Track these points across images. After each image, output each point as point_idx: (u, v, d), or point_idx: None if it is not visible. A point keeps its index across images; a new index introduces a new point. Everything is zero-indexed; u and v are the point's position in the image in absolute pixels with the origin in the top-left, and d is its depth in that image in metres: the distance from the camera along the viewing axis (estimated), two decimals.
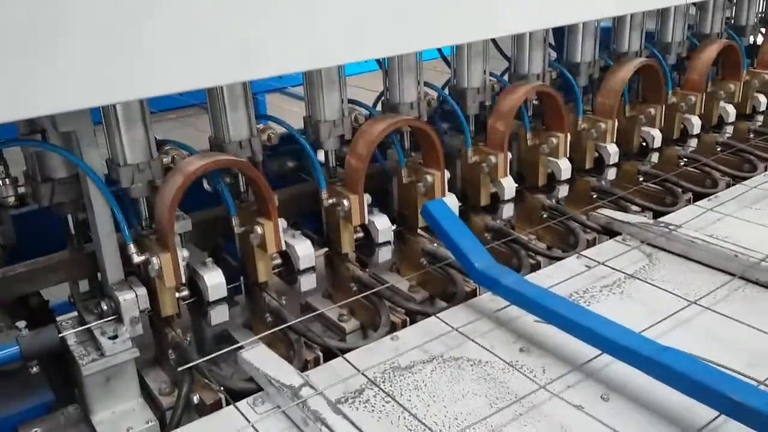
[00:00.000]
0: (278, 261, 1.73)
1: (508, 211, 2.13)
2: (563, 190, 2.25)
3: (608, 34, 2.46)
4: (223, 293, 1.60)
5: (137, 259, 1.49)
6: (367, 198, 1.77)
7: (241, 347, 1.53)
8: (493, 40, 2.41)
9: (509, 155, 2.05)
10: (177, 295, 1.57)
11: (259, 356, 1.47)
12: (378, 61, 1.96)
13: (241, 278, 1.79)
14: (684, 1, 2.15)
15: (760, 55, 2.75)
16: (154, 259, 1.48)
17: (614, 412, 1.30)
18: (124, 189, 1.55)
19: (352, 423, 1.24)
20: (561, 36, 2.36)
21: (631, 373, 1.33)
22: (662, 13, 2.50)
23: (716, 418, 1.22)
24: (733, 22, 2.78)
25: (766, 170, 2.45)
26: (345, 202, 1.74)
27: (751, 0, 2.74)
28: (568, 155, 2.16)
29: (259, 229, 1.59)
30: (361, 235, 1.86)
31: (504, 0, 1.72)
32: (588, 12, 2.00)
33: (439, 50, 2.17)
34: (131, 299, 1.51)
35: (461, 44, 2.01)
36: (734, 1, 2.75)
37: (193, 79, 1.32)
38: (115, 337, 1.49)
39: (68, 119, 1.41)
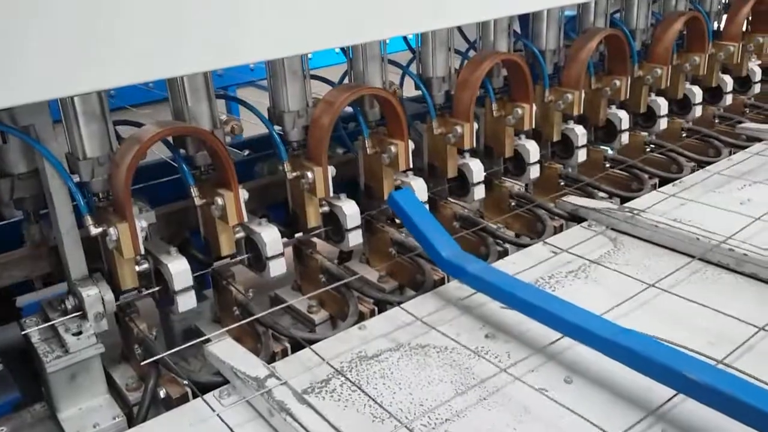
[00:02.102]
0: (241, 235, 1.70)
1: (478, 192, 2.13)
2: (534, 171, 2.26)
3: (573, 23, 2.48)
4: (189, 281, 1.58)
5: (94, 231, 1.45)
6: (332, 170, 1.75)
7: (206, 341, 1.53)
8: (459, 28, 2.42)
9: (475, 126, 2.04)
10: (137, 268, 1.55)
11: (225, 349, 1.47)
12: (343, 50, 1.96)
13: (210, 273, 1.78)
14: None
15: (726, 26, 2.76)
16: (112, 230, 1.44)
17: (577, 395, 1.32)
18: (85, 183, 1.53)
19: (318, 412, 1.25)
20: (526, 24, 2.37)
21: (593, 356, 1.35)
22: (626, 1, 2.52)
23: (674, 396, 1.24)
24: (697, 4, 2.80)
25: (730, 155, 2.49)
26: (309, 174, 1.72)
27: None
28: (533, 126, 2.15)
29: (219, 200, 1.57)
30: (327, 209, 1.84)
31: None
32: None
33: (405, 39, 2.17)
34: (95, 295, 1.50)
35: (425, 33, 2.01)
36: None
37: (152, 70, 1.31)
38: (80, 333, 1.48)
39: (27, 112, 1.39)
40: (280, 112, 1.77)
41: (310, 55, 1.81)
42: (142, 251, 1.48)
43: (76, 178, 1.51)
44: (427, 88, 2.05)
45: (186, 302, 1.58)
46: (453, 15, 1.76)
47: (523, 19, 2.40)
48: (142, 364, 1.46)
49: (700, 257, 1.74)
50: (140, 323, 1.57)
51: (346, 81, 2.02)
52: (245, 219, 1.62)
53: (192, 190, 1.59)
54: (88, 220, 1.45)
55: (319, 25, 1.49)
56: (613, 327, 1.30)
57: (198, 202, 1.60)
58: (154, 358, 1.44)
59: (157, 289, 1.60)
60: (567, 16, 2.35)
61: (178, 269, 1.55)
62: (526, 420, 1.26)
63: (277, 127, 1.79)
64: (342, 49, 1.95)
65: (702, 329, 1.48)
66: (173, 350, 1.49)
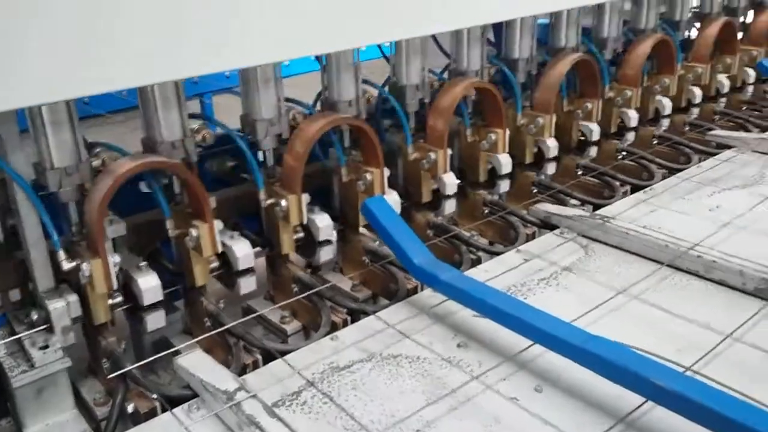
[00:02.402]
0: (215, 264, 1.70)
1: (450, 206, 2.15)
2: (504, 185, 2.28)
3: (546, 31, 2.50)
4: (159, 297, 1.57)
5: (67, 266, 1.45)
6: (306, 197, 1.75)
7: (176, 353, 1.51)
8: (433, 37, 2.43)
9: (449, 151, 2.06)
10: (110, 301, 1.54)
11: (194, 361, 1.45)
12: (317, 58, 1.95)
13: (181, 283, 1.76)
14: None
15: (695, 48, 2.82)
16: (85, 266, 1.44)
17: (547, 403, 1.32)
18: (53, 193, 1.51)
19: (288, 426, 1.23)
20: (499, 32, 2.38)
21: (564, 364, 1.35)
22: (598, 9, 2.55)
23: (643, 404, 1.25)
24: (667, 17, 2.85)
25: (700, 162, 2.52)
26: (283, 202, 1.73)
27: (683, 4, 2.81)
28: (507, 151, 2.19)
29: (194, 232, 1.57)
30: (301, 235, 1.85)
31: None
32: (524, 8, 2.04)
33: (379, 48, 2.17)
34: (62, 308, 1.47)
35: (399, 41, 2.02)
36: None
37: (120, 79, 1.30)
38: (46, 347, 1.45)
39: None
40: (253, 120, 1.76)
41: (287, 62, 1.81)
42: (116, 286, 1.47)
43: None
44: (400, 96, 2.05)
45: (155, 321, 1.58)
46: (425, 24, 1.78)
47: (497, 27, 2.41)
48: (108, 378, 1.44)
49: (669, 264, 1.75)
50: (108, 336, 1.55)
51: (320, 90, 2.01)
52: (220, 250, 1.61)
53: (167, 222, 1.58)
54: (61, 255, 1.45)
55: (292, 33, 1.50)
56: (582, 334, 1.31)
57: (172, 233, 1.59)
58: (121, 371, 1.42)
59: (125, 307, 1.58)
60: (540, 24, 2.36)
61: (148, 285, 1.54)
62: (496, 430, 1.26)
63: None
64: (316, 58, 1.94)
65: (671, 336, 1.49)
66: (141, 363, 1.47)
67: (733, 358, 1.41)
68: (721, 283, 1.68)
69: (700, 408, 1.13)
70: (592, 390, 1.32)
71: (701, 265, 1.72)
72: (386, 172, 1.89)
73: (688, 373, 1.33)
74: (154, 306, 1.58)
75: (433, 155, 2.00)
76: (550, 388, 1.36)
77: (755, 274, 1.64)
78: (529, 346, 1.44)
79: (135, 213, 1.75)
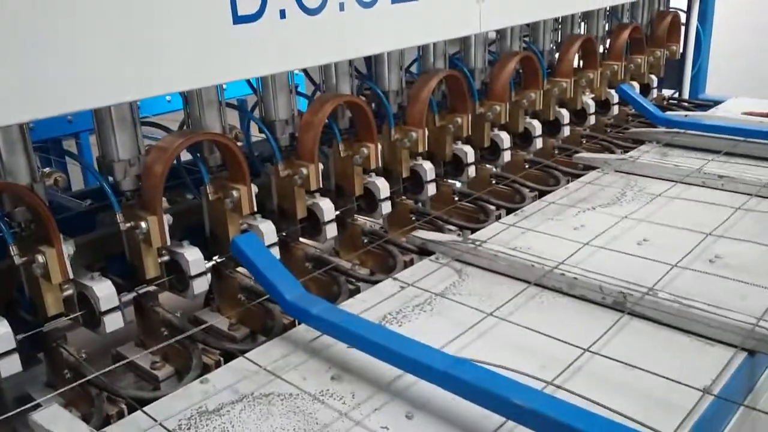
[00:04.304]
0: (69, 292, 1.61)
1: (331, 230, 2.14)
2: (385, 207, 2.29)
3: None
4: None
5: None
6: (168, 218, 1.70)
7: (36, 407, 1.41)
8: (305, 71, 2.45)
9: (321, 166, 2.06)
10: None
11: (50, 417, 1.36)
12: (181, 95, 1.92)
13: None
14: (477, 30, 2.28)
15: (558, 65, 2.97)
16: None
17: (418, 430, 1.33)
18: None
19: None
20: (370, 66, 2.43)
21: (434, 390, 1.37)
22: (464, 41, 2.66)
23: (505, 422, 1.28)
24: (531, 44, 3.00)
25: (568, 183, 2.65)
26: (143, 224, 1.66)
27: (545, 27, 2.98)
28: (380, 164, 2.21)
29: (40, 258, 1.48)
30: (167, 258, 1.78)
31: (305, 32, 1.75)
32: (390, 43, 2.09)
33: (248, 82, 2.16)
34: None
35: (266, 77, 2.02)
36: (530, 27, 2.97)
37: None
38: None
39: None
40: (110, 161, 1.70)
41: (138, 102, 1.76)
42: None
43: None
44: (270, 131, 2.04)
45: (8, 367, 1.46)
46: (289, 59, 1.79)
47: (367, 60, 2.46)
48: None
49: (536, 283, 1.82)
50: None
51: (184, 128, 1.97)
52: (71, 275, 1.53)
53: (11, 249, 1.49)
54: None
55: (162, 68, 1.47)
56: (446, 359, 1.33)
57: (18, 261, 1.50)
58: None
59: None
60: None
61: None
62: None
63: None
64: (180, 94, 1.91)
65: (535, 353, 1.54)
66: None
67: (590, 370, 1.48)
68: (582, 298, 1.76)
69: (554, 424, 1.16)
70: (459, 413, 1.34)
71: (565, 282, 1.80)
72: (254, 188, 1.87)
73: (550, 387, 1.37)
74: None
75: (304, 170, 1.99)
76: (420, 413, 1.37)
77: (613, 289, 1.73)
78: (401, 375, 1.45)
79: None
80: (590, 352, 1.52)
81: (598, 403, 1.27)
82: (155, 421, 1.36)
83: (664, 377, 1.42)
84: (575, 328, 1.63)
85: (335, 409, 1.40)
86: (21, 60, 1.26)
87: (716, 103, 3.71)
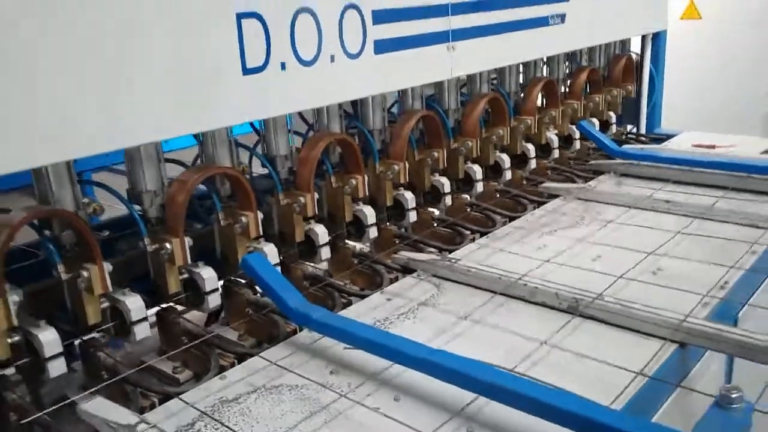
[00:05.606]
0: (105, 305, 1.86)
1: (325, 253, 2.43)
2: (372, 232, 2.59)
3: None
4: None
5: None
6: (188, 240, 1.98)
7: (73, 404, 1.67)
8: (299, 113, 2.77)
9: (316, 196, 2.36)
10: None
11: (96, 406, 1.62)
12: (194, 135, 2.22)
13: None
14: (449, 76, 2.62)
15: (523, 104, 3.32)
16: None
17: (404, 409, 1.61)
18: None
19: None
20: (355, 107, 2.76)
21: (417, 378, 1.66)
22: (438, 85, 3.00)
23: (475, 399, 1.57)
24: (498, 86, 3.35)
25: (534, 210, 2.97)
26: (168, 245, 1.94)
27: (511, 71, 3.34)
28: (367, 194, 2.51)
29: (84, 273, 1.75)
30: (186, 276, 2.05)
31: (302, 81, 2.07)
32: (374, 88, 2.42)
33: (251, 123, 2.47)
34: None
35: (267, 119, 2.33)
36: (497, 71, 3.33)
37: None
38: None
39: None
40: (139, 192, 1.99)
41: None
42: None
43: None
44: (272, 165, 2.35)
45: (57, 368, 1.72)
46: (296, 103, 2.11)
47: (354, 102, 2.78)
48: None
49: (502, 292, 2.12)
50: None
51: (198, 163, 2.27)
52: (110, 288, 1.81)
53: (59, 266, 1.76)
54: None
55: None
56: (426, 349, 1.63)
57: (65, 276, 1.77)
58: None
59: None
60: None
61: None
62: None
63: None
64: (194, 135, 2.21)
65: (501, 347, 1.84)
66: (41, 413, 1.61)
67: (548, 360, 1.77)
68: (542, 304, 2.06)
69: (521, 397, 1.46)
70: (437, 395, 1.63)
71: (527, 291, 2.10)
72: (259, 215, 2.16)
73: (513, 372, 1.66)
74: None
75: (302, 199, 2.29)
76: (406, 396, 1.65)
77: (567, 296, 2.03)
78: (389, 366, 1.73)
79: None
80: (547, 345, 1.82)
81: (552, 386, 1.56)
82: (187, 404, 1.62)
83: (608, 364, 1.72)
84: (535, 328, 1.93)
85: (335, 394, 1.67)
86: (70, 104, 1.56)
87: (669, 136, 4.07)
